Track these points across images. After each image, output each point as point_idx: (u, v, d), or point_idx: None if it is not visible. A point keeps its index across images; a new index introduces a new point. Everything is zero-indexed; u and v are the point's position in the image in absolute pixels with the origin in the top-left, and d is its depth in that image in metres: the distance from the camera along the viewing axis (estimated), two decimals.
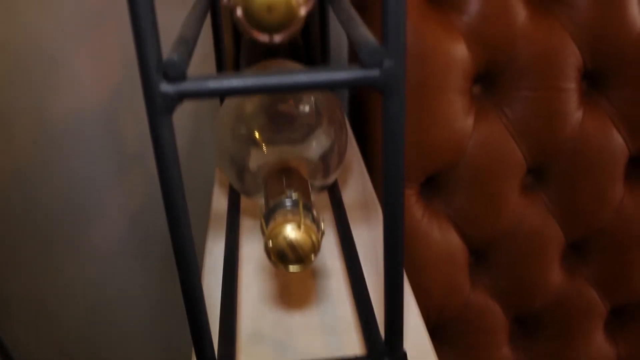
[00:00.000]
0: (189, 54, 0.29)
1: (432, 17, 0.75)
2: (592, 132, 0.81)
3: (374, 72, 0.28)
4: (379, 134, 0.78)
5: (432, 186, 0.82)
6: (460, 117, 0.78)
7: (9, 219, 0.99)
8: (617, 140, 0.82)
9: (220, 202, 0.58)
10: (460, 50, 0.76)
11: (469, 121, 0.79)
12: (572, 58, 0.79)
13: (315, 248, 0.34)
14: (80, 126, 0.93)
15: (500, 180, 0.82)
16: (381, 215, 0.55)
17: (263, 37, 0.26)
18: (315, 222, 0.36)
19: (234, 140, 0.49)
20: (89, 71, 0.90)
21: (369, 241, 0.51)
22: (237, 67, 0.84)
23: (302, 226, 0.34)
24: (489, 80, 0.80)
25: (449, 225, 0.83)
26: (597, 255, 0.89)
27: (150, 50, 0.27)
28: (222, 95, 0.28)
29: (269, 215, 0.36)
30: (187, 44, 0.30)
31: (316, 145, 0.48)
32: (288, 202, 0.36)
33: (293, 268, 0.35)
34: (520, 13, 0.77)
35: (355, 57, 0.81)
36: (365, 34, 0.29)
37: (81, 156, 0.96)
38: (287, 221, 0.34)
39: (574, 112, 0.80)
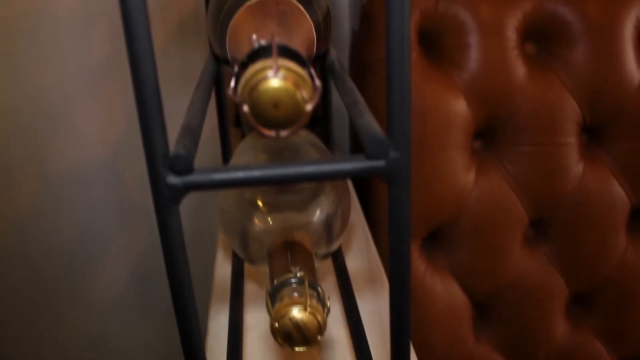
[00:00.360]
0: (195, 144, 0.30)
1: (432, 74, 0.76)
2: (593, 184, 0.82)
3: (380, 163, 0.28)
4: (381, 192, 0.78)
5: (435, 240, 0.82)
6: (461, 172, 0.78)
7: (9, 270, 0.98)
8: (618, 192, 0.83)
9: (223, 267, 0.58)
10: (460, 107, 0.77)
11: (470, 176, 0.79)
12: (571, 112, 0.79)
13: (322, 329, 0.34)
14: (81, 178, 0.93)
15: (502, 234, 0.82)
16: (386, 282, 0.55)
17: (269, 133, 0.27)
18: (321, 301, 0.36)
19: (237, 205, 0.49)
20: (90, 124, 0.91)
21: (374, 309, 0.51)
22: (238, 124, 0.85)
23: (308, 308, 0.34)
24: (489, 135, 0.80)
25: (452, 279, 0.83)
26: (601, 306, 0.88)
27: (158, 144, 0.27)
28: (228, 187, 0.28)
29: (275, 294, 0.36)
30: (193, 134, 0.30)
31: (320, 211, 0.48)
32: (293, 281, 0.36)
33: (299, 348, 0.35)
34: (519, 69, 0.78)
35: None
36: (371, 123, 0.30)
37: (82, 208, 0.96)
38: (293, 303, 0.34)
39: (575, 166, 0.81)
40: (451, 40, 0.77)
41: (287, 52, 0.28)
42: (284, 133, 0.27)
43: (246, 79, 0.26)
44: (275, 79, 0.26)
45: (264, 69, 0.26)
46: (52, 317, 1.02)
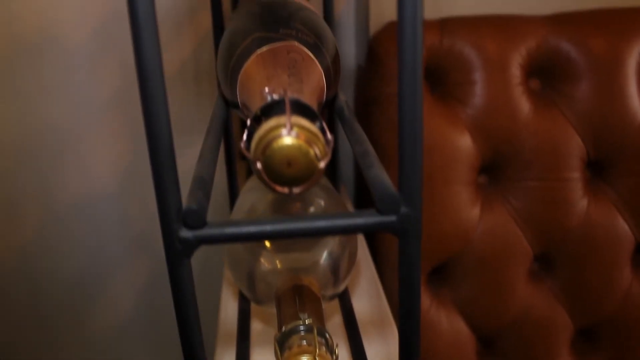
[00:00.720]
0: (207, 197, 0.30)
1: (437, 111, 0.77)
2: (598, 219, 0.82)
3: (391, 218, 0.29)
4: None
5: (440, 275, 0.82)
6: (466, 207, 0.78)
7: (13, 302, 0.98)
8: (623, 228, 0.83)
9: (229, 305, 0.58)
10: (465, 142, 0.77)
11: (475, 211, 0.79)
12: (576, 148, 0.80)
13: None
14: (87, 209, 0.94)
15: (507, 269, 0.82)
16: (394, 325, 0.55)
17: (282, 190, 0.27)
18: (329, 348, 0.36)
19: (244, 245, 0.49)
20: (96, 156, 0.91)
21: (382, 353, 0.51)
22: (244, 157, 0.85)
23: (317, 357, 0.34)
24: (494, 171, 0.80)
25: (457, 313, 0.83)
26: (606, 341, 0.87)
27: (171, 198, 0.28)
28: (240, 241, 0.28)
29: (283, 342, 0.36)
30: (205, 186, 0.30)
31: (327, 251, 0.48)
32: (302, 328, 0.36)
33: None
34: (524, 105, 0.78)
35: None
36: (381, 176, 0.30)
37: (87, 239, 0.96)
38: (302, 351, 0.34)
39: (579, 201, 0.81)
40: (456, 76, 0.78)
41: (300, 107, 0.28)
42: (296, 190, 0.27)
43: (259, 136, 0.26)
44: (288, 137, 0.26)
45: (278, 127, 0.26)
46: (56, 347, 1.02)
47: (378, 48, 0.79)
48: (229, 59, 0.41)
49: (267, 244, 0.48)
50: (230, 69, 0.40)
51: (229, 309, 0.57)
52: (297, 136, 0.26)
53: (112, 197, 0.94)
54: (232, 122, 0.61)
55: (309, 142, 0.26)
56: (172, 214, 0.28)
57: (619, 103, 0.79)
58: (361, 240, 0.71)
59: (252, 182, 0.54)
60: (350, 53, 0.89)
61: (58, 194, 0.93)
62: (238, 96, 0.39)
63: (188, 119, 0.88)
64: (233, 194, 0.72)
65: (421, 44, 0.26)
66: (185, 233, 0.28)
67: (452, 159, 0.77)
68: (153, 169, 0.27)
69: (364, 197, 0.88)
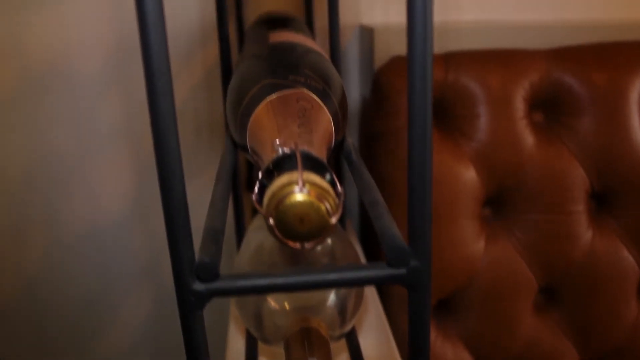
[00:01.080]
0: (219, 249, 0.30)
1: (442, 144, 0.77)
2: (602, 251, 0.82)
3: (401, 271, 0.29)
4: None
5: (445, 309, 0.82)
6: (471, 241, 0.79)
7: (20, 328, 0.98)
8: (628, 259, 0.83)
9: (235, 344, 0.58)
10: (470, 176, 0.78)
11: (480, 244, 0.79)
12: (580, 181, 0.80)
13: None
14: (94, 237, 0.94)
15: (512, 301, 0.82)
16: None
17: (294, 245, 0.27)
18: None
19: None
20: (102, 184, 0.92)
21: None
22: (250, 188, 0.86)
23: None
24: (498, 204, 0.81)
25: (463, 346, 0.82)
26: None
27: (184, 252, 0.28)
28: (252, 294, 0.29)
29: None
30: (217, 238, 0.31)
31: (335, 290, 0.48)
32: None
33: None
34: (528, 139, 0.79)
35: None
36: (391, 228, 0.30)
37: (94, 267, 0.96)
38: None
39: (584, 233, 0.81)
40: (461, 110, 0.78)
41: (311, 162, 0.29)
42: (308, 245, 0.27)
43: (272, 193, 0.27)
44: (300, 194, 0.26)
45: (290, 184, 0.27)
46: None
47: (383, 82, 0.80)
48: (238, 103, 0.41)
49: None
50: (239, 114, 0.40)
51: (236, 347, 0.57)
52: (309, 193, 0.26)
53: (119, 226, 0.94)
54: (239, 160, 0.62)
55: (321, 198, 0.27)
56: (185, 267, 0.28)
57: (622, 136, 0.80)
58: None
59: (259, 221, 0.55)
60: (354, 86, 0.90)
61: (65, 222, 0.93)
62: (247, 142, 0.39)
63: (194, 161, 0.89)
64: (239, 226, 0.73)
65: (431, 81, 0.27)
66: (198, 286, 0.29)
67: (457, 192, 0.77)
68: (167, 223, 0.28)
69: (369, 232, 0.88)
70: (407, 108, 0.27)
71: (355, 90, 0.90)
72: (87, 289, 0.97)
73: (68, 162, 0.90)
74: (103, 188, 0.92)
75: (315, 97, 0.39)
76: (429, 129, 0.26)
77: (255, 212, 0.78)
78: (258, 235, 0.52)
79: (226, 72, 0.66)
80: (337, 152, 0.56)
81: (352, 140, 0.46)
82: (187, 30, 0.85)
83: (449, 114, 0.79)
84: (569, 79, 0.80)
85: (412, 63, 0.26)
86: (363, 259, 0.73)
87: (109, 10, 0.83)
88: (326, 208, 0.27)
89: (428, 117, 0.27)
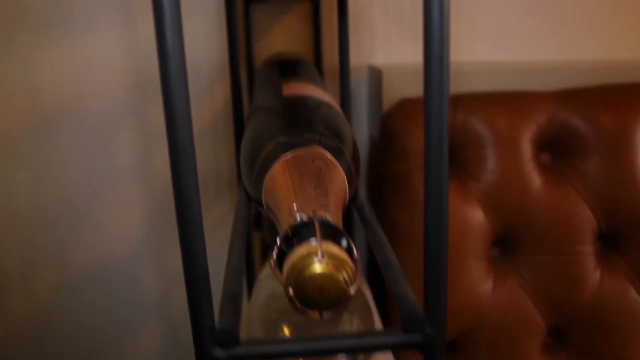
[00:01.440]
0: (239, 313, 0.31)
1: (451, 186, 0.78)
2: (611, 292, 0.82)
3: (416, 338, 0.29)
4: None
5: (452, 350, 0.82)
6: (479, 282, 0.79)
7: None
8: (636, 300, 0.83)
9: None
10: (477, 217, 0.78)
11: (488, 285, 0.80)
12: (587, 222, 0.81)
13: None
14: (103, 274, 0.94)
15: (520, 342, 0.82)
16: None
17: (313, 315, 0.28)
18: None
19: (262, 328, 0.50)
20: (111, 221, 0.92)
21: None
22: (258, 225, 0.86)
23: None
24: (506, 244, 0.81)
25: None
26: None
27: (205, 319, 0.29)
28: (272, 359, 0.29)
29: None
30: (236, 301, 0.31)
31: None
32: None
33: None
34: (535, 180, 0.79)
35: None
36: (407, 294, 0.31)
37: (103, 304, 0.96)
38: None
39: (592, 274, 0.81)
40: (468, 152, 0.79)
41: (328, 230, 0.30)
42: (327, 315, 0.28)
43: (292, 264, 0.28)
44: (320, 265, 0.27)
45: (309, 255, 0.27)
46: None
47: (391, 124, 0.81)
48: (253, 160, 0.42)
49: (285, 328, 0.49)
50: (255, 171, 0.41)
51: None
52: (328, 264, 0.27)
53: (128, 264, 0.95)
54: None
55: (339, 268, 0.27)
56: (205, 333, 0.29)
57: (629, 176, 0.81)
58: (378, 322, 0.71)
59: (269, 269, 0.55)
60: (363, 126, 0.91)
61: (74, 259, 0.94)
62: (263, 199, 0.40)
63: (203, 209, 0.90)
64: (248, 265, 0.73)
65: (447, 122, 0.28)
66: (218, 352, 0.29)
67: (465, 234, 0.78)
68: (188, 290, 0.28)
69: (375, 267, 0.88)
70: (421, 152, 0.27)
71: (363, 130, 0.91)
72: (96, 326, 0.97)
73: (77, 200, 0.91)
74: (112, 226, 0.93)
75: (329, 156, 0.40)
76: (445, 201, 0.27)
77: (263, 246, 0.79)
78: (270, 283, 0.53)
79: (238, 117, 0.67)
80: (349, 203, 0.57)
81: (364, 194, 0.46)
82: (194, 72, 0.86)
83: (457, 156, 0.80)
84: (576, 121, 0.81)
85: (428, 105, 0.27)
86: (370, 298, 0.73)
87: (121, 49, 0.85)
88: (344, 278, 0.28)
89: (444, 162, 0.28)
